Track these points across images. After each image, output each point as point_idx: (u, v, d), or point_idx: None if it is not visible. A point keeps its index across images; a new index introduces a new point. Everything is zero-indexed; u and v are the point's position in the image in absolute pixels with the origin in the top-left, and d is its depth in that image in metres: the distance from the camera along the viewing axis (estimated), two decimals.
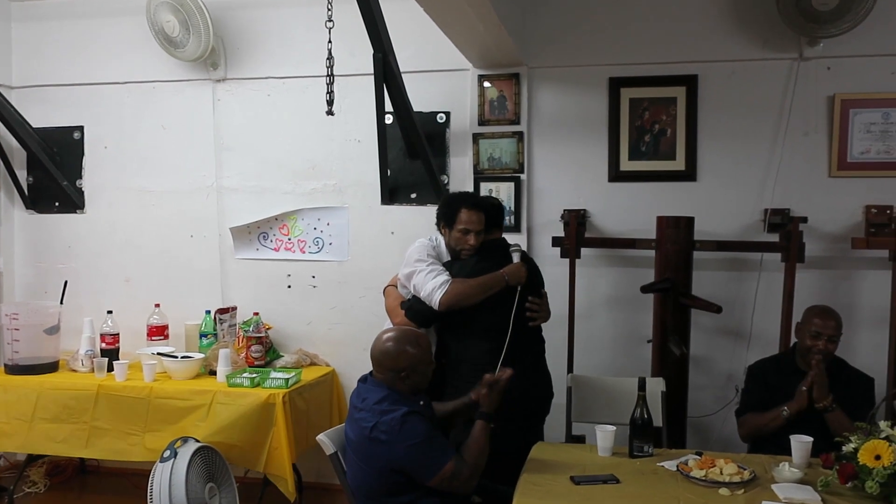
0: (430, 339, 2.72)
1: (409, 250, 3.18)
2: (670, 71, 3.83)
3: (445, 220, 3.15)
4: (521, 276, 3.03)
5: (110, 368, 3.88)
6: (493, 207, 3.22)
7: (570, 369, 3.70)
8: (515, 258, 3.10)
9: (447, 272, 3.04)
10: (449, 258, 3.18)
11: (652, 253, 3.67)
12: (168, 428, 3.61)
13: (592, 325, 3.95)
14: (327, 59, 3.14)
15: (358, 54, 3.71)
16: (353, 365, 4.09)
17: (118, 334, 4.09)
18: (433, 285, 2.98)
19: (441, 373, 3.05)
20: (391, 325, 3.16)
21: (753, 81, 3.77)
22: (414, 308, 3.08)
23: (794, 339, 3.23)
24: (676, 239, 3.55)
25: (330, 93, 3.15)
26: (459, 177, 4.06)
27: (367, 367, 2.77)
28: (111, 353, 4.02)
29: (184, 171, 4.37)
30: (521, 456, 2.76)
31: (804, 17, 3.53)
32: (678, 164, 3.85)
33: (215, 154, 4.33)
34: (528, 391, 3.03)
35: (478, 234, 3.10)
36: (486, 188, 4.00)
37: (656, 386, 3.39)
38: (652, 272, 3.67)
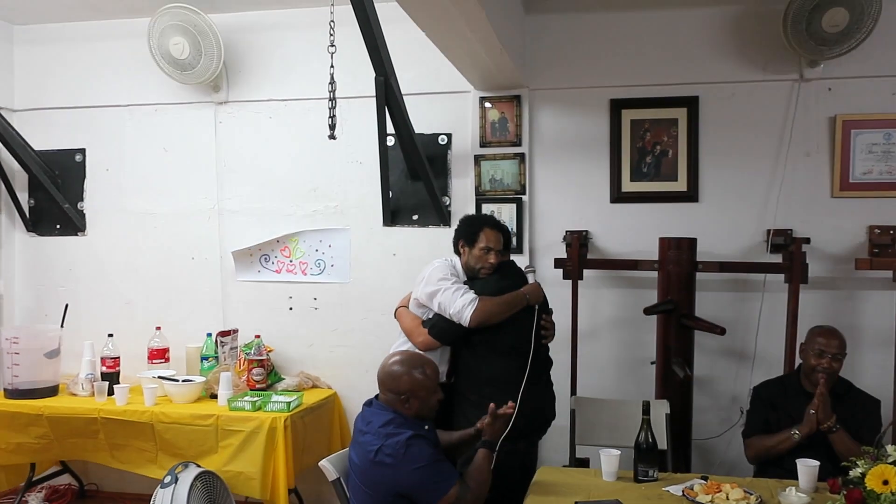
0: (437, 367, 2.71)
1: (427, 271, 3.18)
2: (671, 92, 3.86)
3: (466, 239, 3.19)
4: (539, 296, 3.11)
5: (111, 392, 3.88)
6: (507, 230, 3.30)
7: (573, 391, 3.70)
8: (531, 279, 3.15)
9: (472, 290, 3.07)
10: (465, 279, 3.20)
11: (654, 274, 3.67)
12: (169, 452, 3.61)
13: (595, 346, 3.95)
14: (329, 83, 3.15)
15: (360, 77, 3.73)
16: (355, 387, 4.10)
17: (119, 358, 4.08)
18: (463, 302, 3.00)
19: (450, 392, 3.07)
20: (398, 348, 3.16)
21: (754, 102, 3.80)
22: (438, 326, 3.09)
23: (798, 361, 3.23)
24: (679, 260, 3.56)
25: (332, 116, 3.16)
26: (461, 198, 4.08)
27: (370, 389, 2.77)
28: (112, 377, 4.01)
29: (185, 194, 4.39)
30: (516, 476, 2.75)
31: (814, 39, 3.55)
32: (680, 185, 3.87)
33: (217, 176, 4.35)
34: (543, 410, 3.07)
35: (498, 254, 3.15)
36: (487, 209, 4.01)
37: (660, 408, 3.38)
38: (655, 293, 3.67)
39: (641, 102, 3.89)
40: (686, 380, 3.48)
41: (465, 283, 3.15)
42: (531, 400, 2.88)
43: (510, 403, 2.66)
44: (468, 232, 3.18)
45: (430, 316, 3.16)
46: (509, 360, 3.01)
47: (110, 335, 4.11)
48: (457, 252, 3.26)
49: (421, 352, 2.99)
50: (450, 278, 3.09)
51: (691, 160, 3.85)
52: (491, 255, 3.13)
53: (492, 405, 2.64)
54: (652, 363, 3.69)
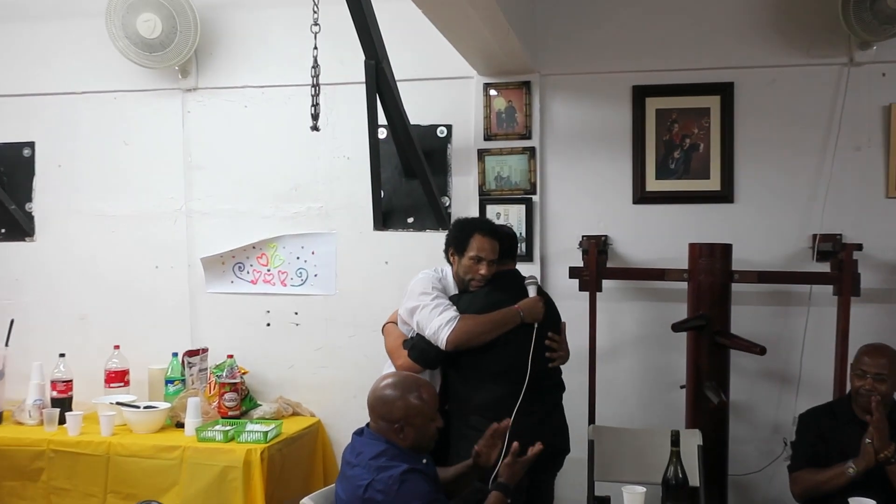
0: (435, 391, 2.67)
1: (411, 283, 3.17)
2: (702, 78, 3.83)
3: (456, 246, 3.16)
4: (537, 313, 3.03)
5: (62, 421, 3.84)
6: (507, 237, 3.23)
7: (591, 419, 3.66)
8: (531, 291, 3.10)
9: (455, 307, 3.03)
10: (456, 291, 3.16)
11: (684, 285, 3.64)
12: (129, 490, 3.56)
13: (616, 368, 3.92)
14: (313, 66, 3.14)
15: (347, 61, 3.72)
16: (343, 414, 4.07)
17: (71, 381, 4.03)
18: (439, 322, 2.97)
19: (445, 420, 3.01)
20: (390, 369, 3.15)
21: (797, 89, 3.77)
22: (418, 347, 3.06)
23: (849, 384, 3.20)
24: (712, 269, 3.53)
25: (315, 105, 3.15)
26: (462, 198, 4.05)
27: (359, 417, 2.72)
28: (63, 403, 3.96)
29: (148, 193, 4.36)
30: None
31: (878, 18, 3.50)
32: (712, 183, 3.84)
33: (184, 173, 4.32)
34: (552, 442, 2.97)
35: (490, 264, 3.11)
36: (493, 211, 3.98)
37: (692, 439, 3.34)
38: (684, 307, 3.64)
39: (668, 90, 3.86)
40: (721, 406, 3.45)
41: (454, 296, 3.13)
42: (535, 430, 2.81)
43: (506, 421, 2.67)
44: (458, 238, 3.16)
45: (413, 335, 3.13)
46: (503, 385, 2.97)
47: (62, 355, 4.07)
48: (448, 261, 3.24)
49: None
50: (431, 292, 3.07)
51: (725, 155, 3.82)
52: (482, 265, 3.10)
53: (494, 424, 2.64)
54: (681, 387, 3.65)
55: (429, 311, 3.01)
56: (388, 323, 3.34)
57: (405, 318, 3.15)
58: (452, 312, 3.00)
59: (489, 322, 2.98)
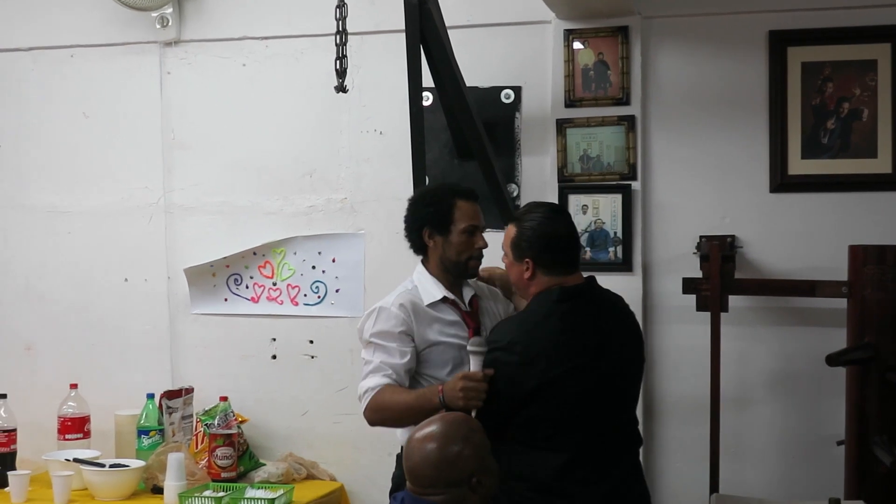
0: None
1: (374, 308, 3.24)
2: (867, 19, 3.83)
3: (434, 223, 3.21)
4: (456, 396, 2.91)
5: (3, 483, 3.89)
6: (567, 232, 3.14)
7: (713, 486, 3.64)
8: (473, 363, 2.98)
9: (391, 369, 3.10)
10: (432, 300, 3.19)
11: (843, 303, 3.63)
12: None
13: (748, 417, 3.90)
14: (337, 7, 3.17)
15: (380, 2, 3.78)
16: (372, 478, 4.09)
17: (15, 430, 4.09)
18: (363, 388, 3.14)
19: None
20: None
21: None
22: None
23: None
24: (882, 281, 3.51)
25: (341, 58, 3.18)
26: (535, 185, 4.08)
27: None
28: (5, 460, 4.03)
29: (115, 182, 4.44)
30: None
31: None
32: (881, 163, 3.84)
33: (163, 155, 4.40)
34: None
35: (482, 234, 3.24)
36: (576, 203, 4.00)
37: None
38: (843, 333, 3.63)
39: (819, 35, 3.87)
40: (895, 469, 3.40)
41: (500, 323, 3.16)
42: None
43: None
44: (435, 212, 3.21)
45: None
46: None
47: (2, 396, 4.12)
48: (420, 251, 3.28)
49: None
50: (385, 334, 3.14)
51: None
52: (477, 236, 3.22)
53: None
54: (839, 443, 3.64)
55: (365, 367, 3.16)
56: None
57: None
58: (375, 380, 3.09)
59: (403, 406, 3.05)
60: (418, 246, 3.29)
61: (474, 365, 2.96)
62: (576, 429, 2.91)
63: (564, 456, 2.90)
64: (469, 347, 2.99)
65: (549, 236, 2.98)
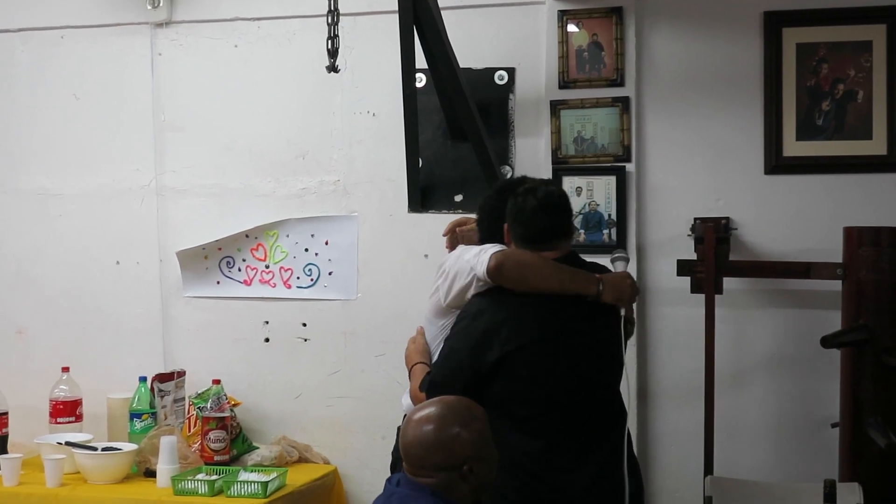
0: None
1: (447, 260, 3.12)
2: (861, 0, 3.82)
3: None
4: (622, 292, 2.96)
5: None
6: (561, 198, 3.12)
7: (708, 469, 3.64)
8: (620, 267, 3.08)
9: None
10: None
11: (837, 285, 3.64)
12: None
13: (742, 399, 3.91)
14: None
15: None
16: (366, 461, 4.11)
17: (6, 414, 4.11)
18: (485, 257, 2.91)
19: None
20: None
21: None
22: (437, 382, 3.03)
23: None
24: (877, 262, 3.51)
25: (333, 38, 3.17)
26: (530, 167, 4.03)
27: (387, 464, 2.77)
28: None
29: (106, 164, 4.43)
30: None
31: None
32: (876, 145, 3.83)
33: (154, 137, 4.39)
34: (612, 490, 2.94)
35: None
36: (570, 185, 4.00)
37: (849, 495, 3.32)
38: (838, 315, 3.64)
39: (814, 16, 3.86)
40: (889, 450, 3.41)
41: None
42: (584, 489, 2.85)
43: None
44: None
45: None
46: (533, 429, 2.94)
47: None
48: (489, 240, 3.11)
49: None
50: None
51: (894, 107, 3.80)
52: None
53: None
54: (834, 426, 3.65)
55: (468, 258, 2.97)
56: (416, 364, 3.27)
57: (430, 317, 3.17)
58: (499, 246, 2.98)
59: (552, 266, 2.92)
60: (493, 235, 3.12)
61: (619, 268, 3.08)
62: (551, 407, 2.90)
63: (541, 441, 2.90)
64: (614, 256, 3.13)
65: (518, 209, 2.98)
